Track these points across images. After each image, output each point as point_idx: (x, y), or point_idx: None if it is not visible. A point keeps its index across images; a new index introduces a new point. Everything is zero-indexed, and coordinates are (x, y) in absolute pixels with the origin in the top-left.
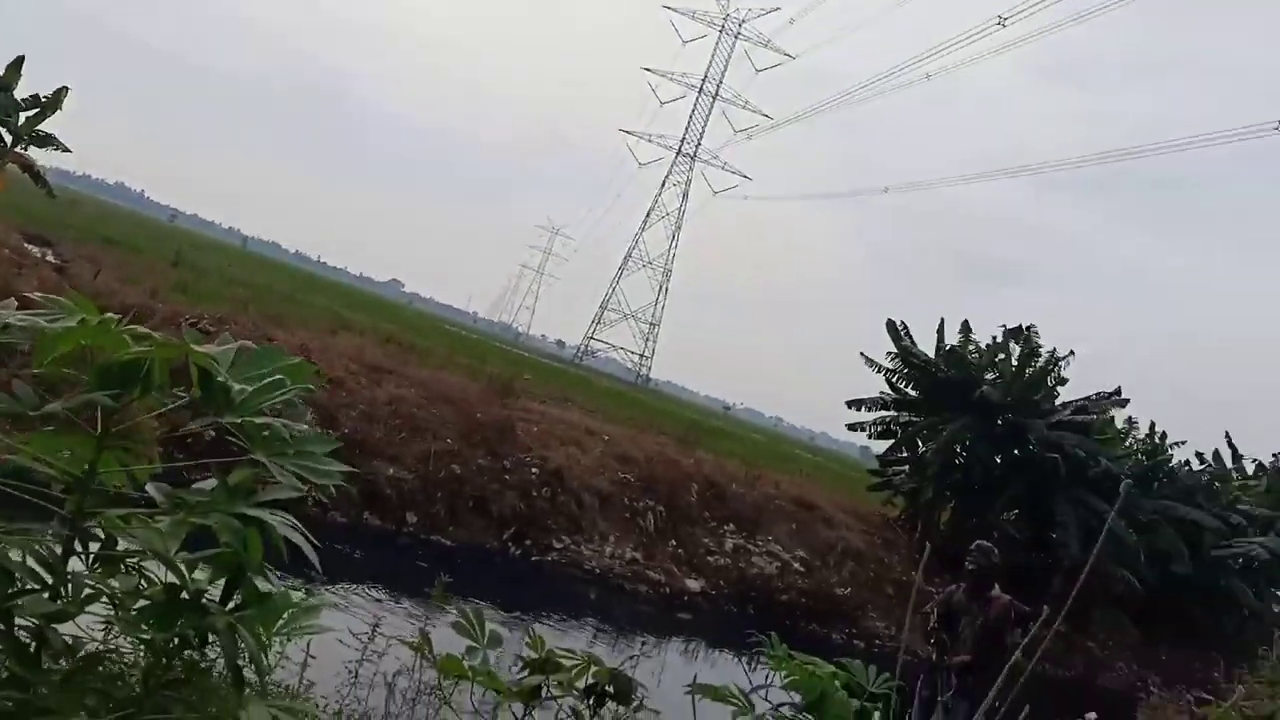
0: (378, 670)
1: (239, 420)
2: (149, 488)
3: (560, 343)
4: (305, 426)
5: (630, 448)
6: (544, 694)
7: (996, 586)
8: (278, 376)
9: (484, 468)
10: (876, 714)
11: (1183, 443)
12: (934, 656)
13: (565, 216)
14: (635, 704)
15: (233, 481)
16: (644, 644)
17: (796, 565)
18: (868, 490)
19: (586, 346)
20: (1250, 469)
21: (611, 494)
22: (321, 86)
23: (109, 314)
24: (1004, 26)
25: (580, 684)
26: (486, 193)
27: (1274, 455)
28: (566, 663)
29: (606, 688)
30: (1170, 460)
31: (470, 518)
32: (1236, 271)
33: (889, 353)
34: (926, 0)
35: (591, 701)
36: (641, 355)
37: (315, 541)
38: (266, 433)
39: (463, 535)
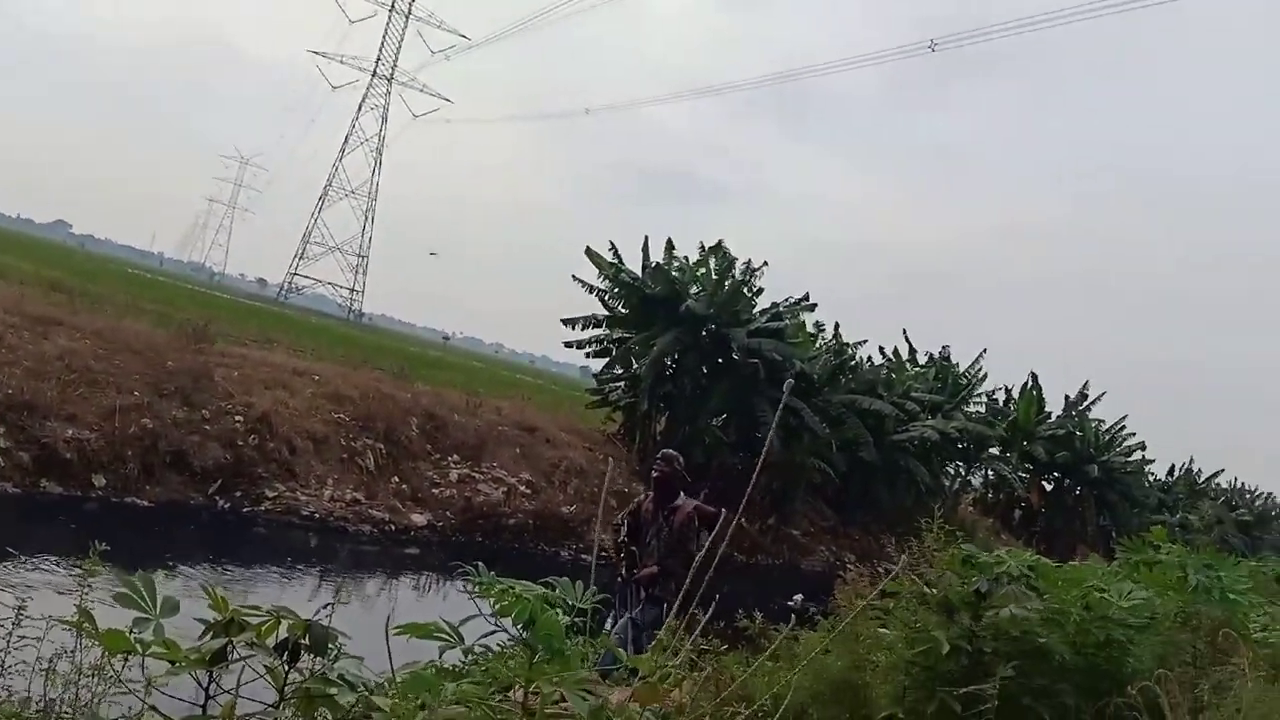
0: (39, 655)
1: None
2: None
3: (262, 281)
4: None
5: (343, 386)
6: (230, 656)
7: (682, 494)
8: None
9: (180, 420)
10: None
11: (864, 341)
12: (622, 571)
13: (255, 144)
14: (334, 654)
15: None
16: (369, 586)
17: (522, 488)
18: (587, 408)
19: (290, 283)
20: (923, 360)
21: (326, 435)
22: None
23: None
24: None
25: (271, 640)
26: (160, 118)
27: (941, 348)
28: (253, 619)
29: (301, 640)
30: (854, 358)
31: (169, 474)
32: (898, 188)
33: (599, 273)
34: None
35: (285, 657)
36: (352, 290)
37: None
38: None
39: (161, 494)
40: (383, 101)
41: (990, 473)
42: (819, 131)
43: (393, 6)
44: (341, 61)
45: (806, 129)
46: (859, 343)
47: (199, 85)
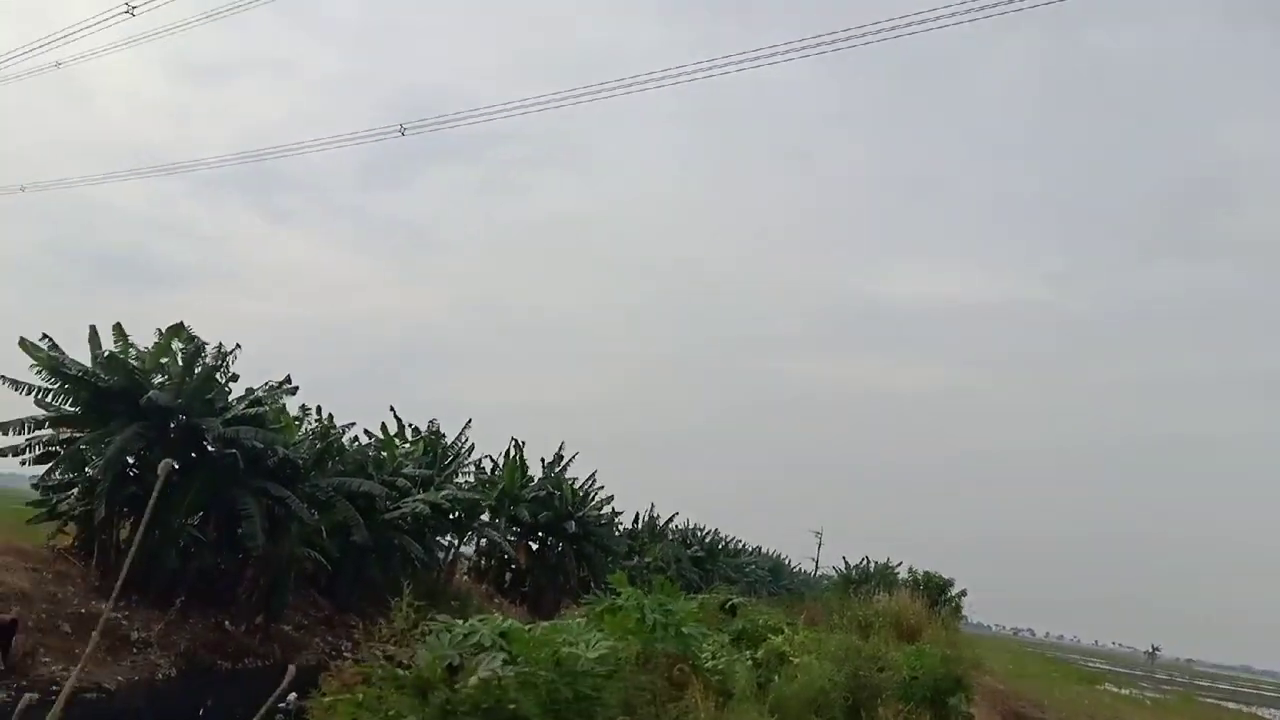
0: None
1: None
2: None
3: None
4: None
5: None
6: None
7: None
8: None
9: None
10: None
11: (353, 423)
12: None
13: None
14: None
15: None
16: None
17: None
18: (28, 523)
19: None
20: (410, 436)
21: None
22: None
23: None
24: (133, 15)
25: None
26: None
27: (429, 421)
28: None
29: None
30: (341, 439)
31: None
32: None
33: (32, 366)
34: None
35: None
36: None
37: None
38: None
39: None
40: None
41: (482, 540)
42: (292, 209)
43: None
44: None
45: (279, 207)
46: (348, 425)
47: None
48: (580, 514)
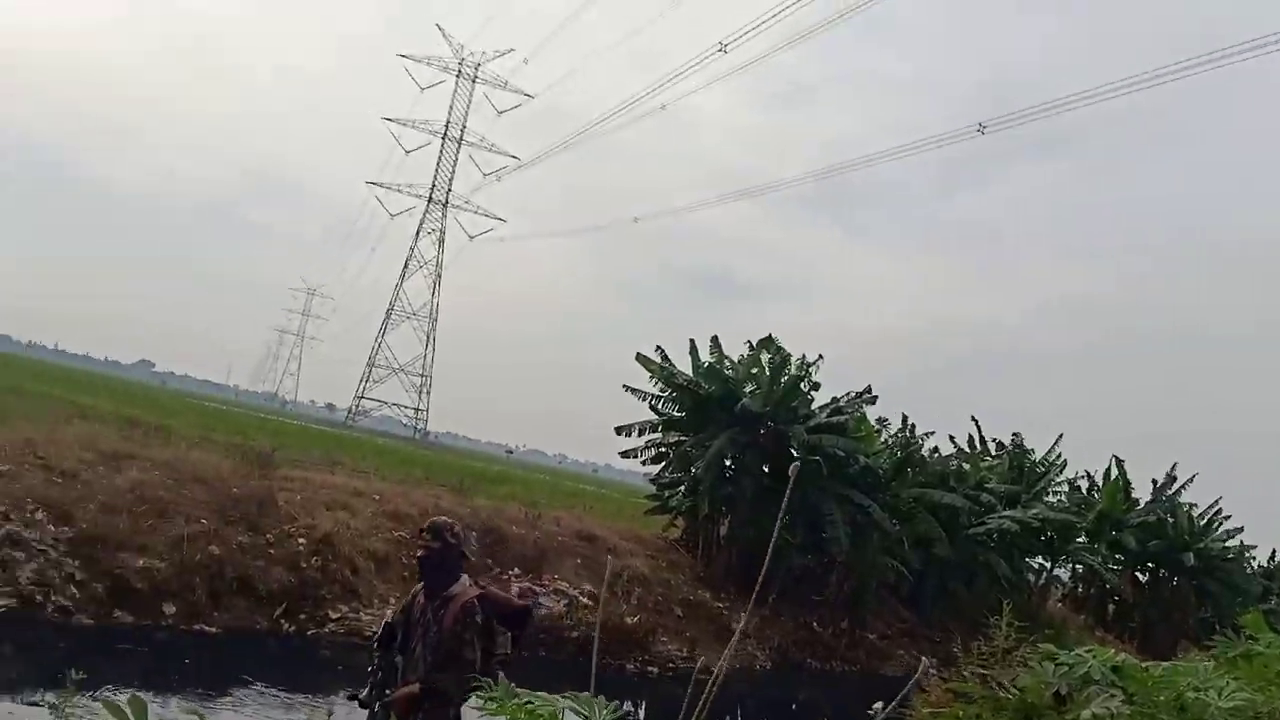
0: None
1: None
2: None
3: (330, 406)
4: None
5: (403, 504)
6: None
7: (466, 578)
8: None
9: (245, 545)
10: None
11: (932, 433)
12: (364, 693)
13: (320, 275)
14: None
15: None
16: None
17: (585, 600)
18: (645, 515)
19: (358, 406)
20: (993, 449)
21: (387, 554)
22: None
23: None
24: (725, 52)
25: None
26: (229, 259)
27: (1013, 435)
28: None
29: None
30: (921, 449)
31: (234, 600)
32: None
33: (650, 378)
34: (651, 35)
35: None
36: (416, 410)
37: None
38: None
39: (228, 620)
40: (439, 225)
41: (1078, 565)
42: (866, 221)
43: (445, 134)
44: (398, 190)
45: (854, 219)
46: (927, 434)
47: (265, 225)
48: (1200, 546)
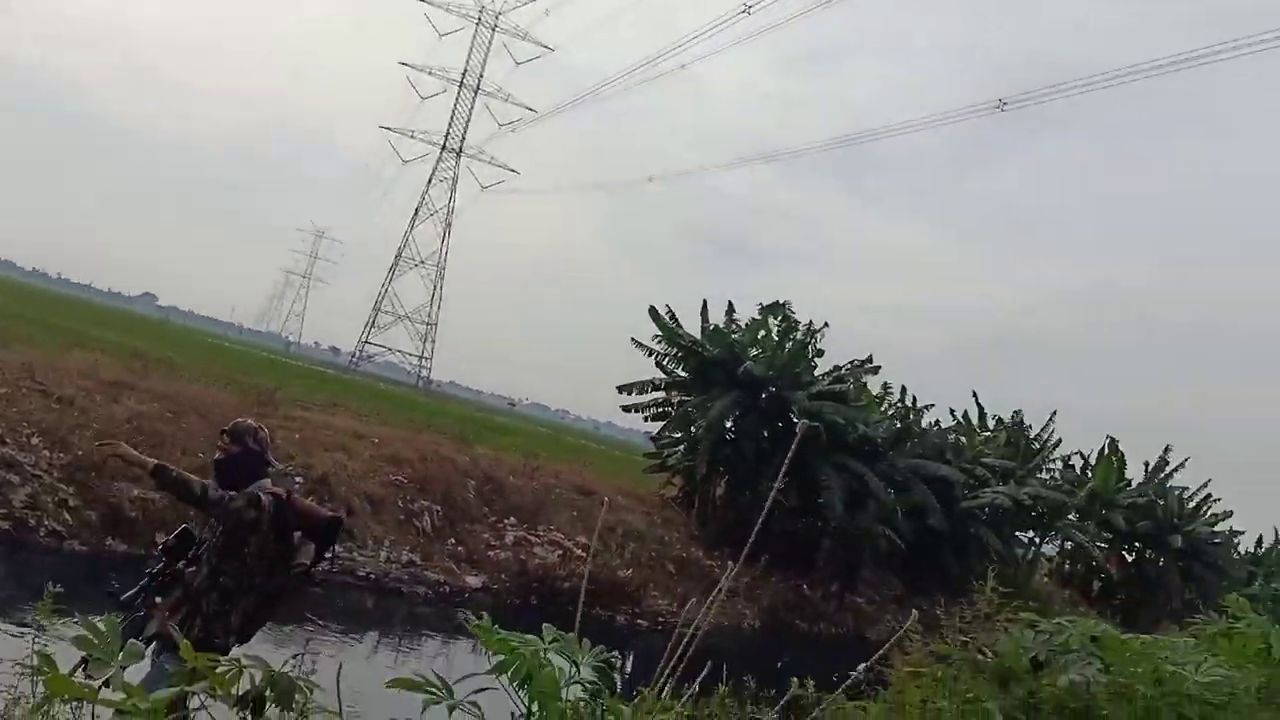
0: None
1: None
2: None
3: (334, 349)
4: None
5: (403, 449)
6: (191, 705)
7: (268, 482)
8: None
9: None
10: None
11: (931, 405)
12: (130, 593)
13: (329, 218)
14: (301, 707)
15: None
16: (415, 646)
17: (579, 552)
18: (644, 472)
19: (362, 351)
20: (992, 425)
21: (384, 497)
22: (35, 92)
23: None
24: (749, 14)
25: (236, 690)
26: (237, 197)
27: (1013, 413)
28: (219, 669)
29: (266, 692)
30: (920, 421)
31: None
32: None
33: (655, 336)
34: None
35: (250, 709)
36: (421, 357)
37: None
38: None
39: None
40: (452, 174)
41: (1067, 542)
42: (883, 192)
43: (462, 82)
44: (413, 137)
45: (870, 190)
46: (926, 406)
47: (277, 166)
48: (1189, 529)
